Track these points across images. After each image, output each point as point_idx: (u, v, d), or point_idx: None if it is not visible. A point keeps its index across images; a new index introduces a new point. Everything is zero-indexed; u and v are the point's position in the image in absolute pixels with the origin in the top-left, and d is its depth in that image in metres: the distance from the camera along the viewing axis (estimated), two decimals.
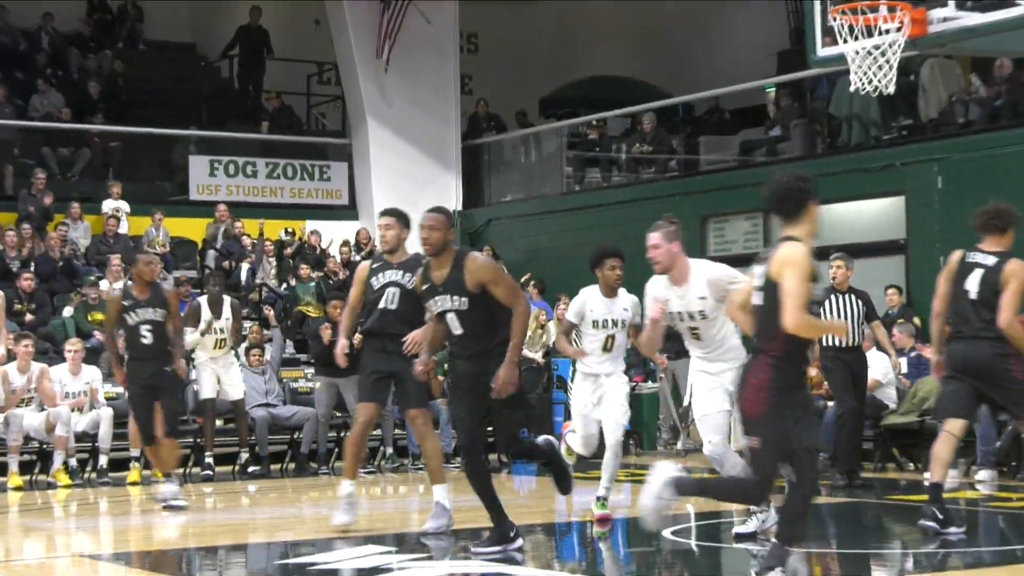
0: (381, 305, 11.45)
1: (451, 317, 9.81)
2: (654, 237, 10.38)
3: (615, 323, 11.59)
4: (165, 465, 13.82)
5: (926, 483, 12.43)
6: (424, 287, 10.03)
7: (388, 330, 11.38)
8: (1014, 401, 10.78)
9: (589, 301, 11.61)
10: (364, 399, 11.61)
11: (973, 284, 10.85)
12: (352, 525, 11.49)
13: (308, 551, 10.64)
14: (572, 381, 11.79)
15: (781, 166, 21.06)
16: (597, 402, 11.70)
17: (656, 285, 10.45)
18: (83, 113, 25.06)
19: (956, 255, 11.10)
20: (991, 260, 10.89)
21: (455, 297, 9.74)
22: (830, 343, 14.48)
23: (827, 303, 14.43)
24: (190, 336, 16.53)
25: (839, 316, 14.49)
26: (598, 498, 11.80)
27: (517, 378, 9.62)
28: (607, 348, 11.63)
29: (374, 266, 11.70)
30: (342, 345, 11.60)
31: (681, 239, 10.42)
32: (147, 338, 13.19)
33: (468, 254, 10.00)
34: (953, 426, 10.87)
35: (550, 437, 11.25)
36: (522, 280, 22.68)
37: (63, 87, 25.58)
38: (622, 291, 11.69)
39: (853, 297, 14.83)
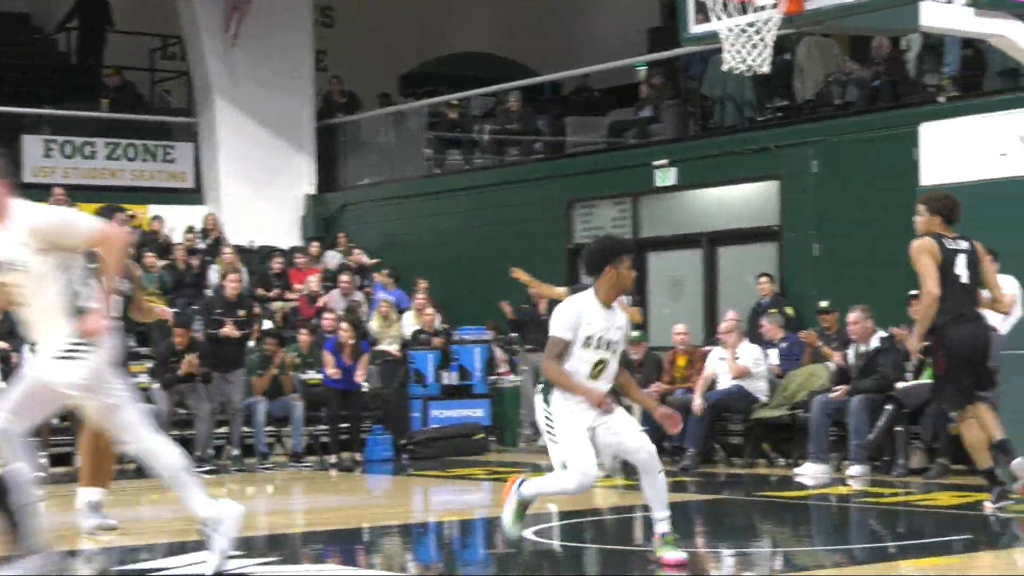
0: None
1: None
2: None
3: (610, 345, 9.28)
4: None
5: (797, 478, 12.70)
6: None
7: None
8: (990, 379, 11.82)
9: (586, 312, 9.23)
10: None
11: (962, 269, 11.62)
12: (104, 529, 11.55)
13: (148, 556, 10.59)
14: (550, 406, 9.23)
15: (652, 148, 21.32)
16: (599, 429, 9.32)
17: None
18: None
19: (931, 242, 11.60)
20: (965, 244, 11.74)
21: None
22: None
23: None
24: None
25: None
26: (663, 535, 9.45)
27: None
28: (595, 375, 9.29)
29: None
30: None
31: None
32: None
33: None
34: (975, 411, 11.60)
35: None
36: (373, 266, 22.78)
37: None
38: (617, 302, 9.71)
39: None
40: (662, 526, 9.36)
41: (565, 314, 9.17)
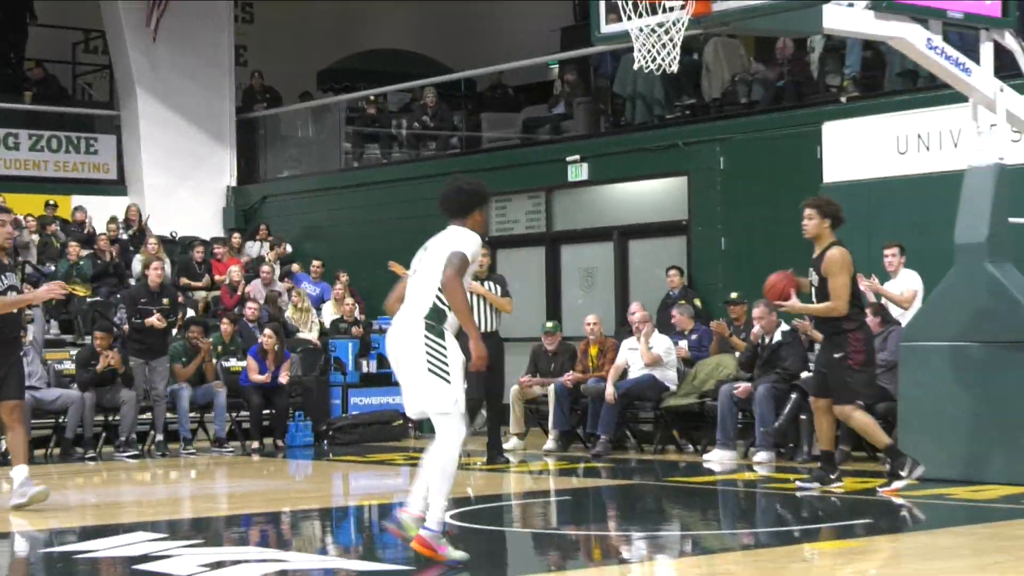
0: None
1: None
2: None
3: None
4: None
5: (705, 464, 12.74)
6: None
7: None
8: None
9: None
10: None
11: None
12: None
13: (74, 539, 10.59)
14: (442, 340, 8.70)
15: (564, 144, 21.42)
16: None
17: None
18: None
19: (849, 257, 12.15)
20: None
21: None
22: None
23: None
24: None
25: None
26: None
27: None
28: None
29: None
30: None
31: None
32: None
33: None
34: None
35: None
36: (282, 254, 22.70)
37: None
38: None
39: (491, 283, 15.44)
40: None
41: (476, 242, 8.85)
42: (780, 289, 12.34)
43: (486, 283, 15.42)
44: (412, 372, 8.68)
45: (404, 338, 8.72)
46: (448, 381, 8.58)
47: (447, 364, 8.60)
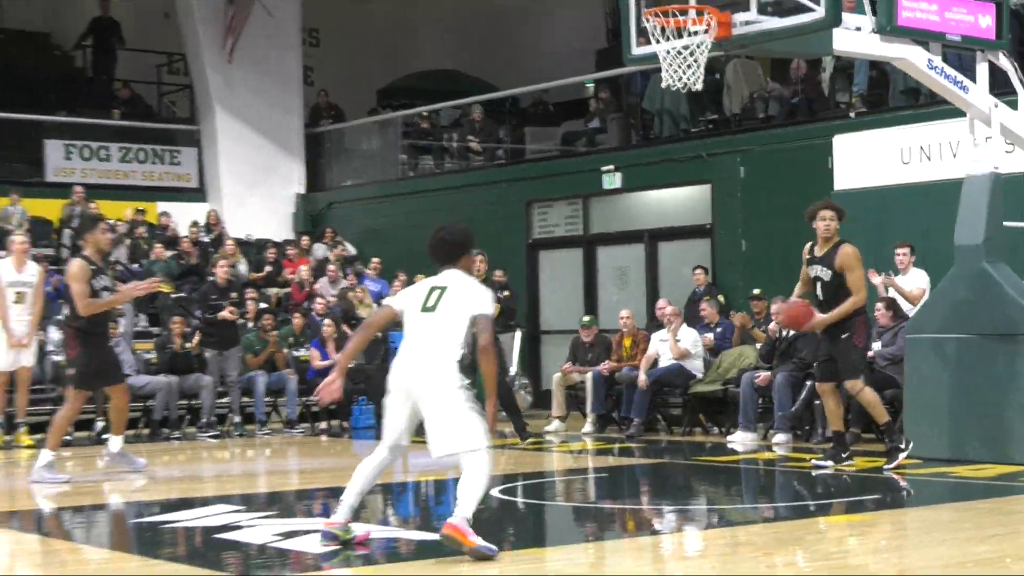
0: None
1: None
2: None
3: None
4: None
5: (728, 444, 12.76)
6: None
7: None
8: None
9: None
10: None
11: None
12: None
13: (159, 511, 10.65)
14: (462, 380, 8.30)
15: (600, 155, 21.41)
16: None
17: None
18: None
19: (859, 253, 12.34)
20: None
21: None
22: None
23: None
24: None
25: None
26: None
27: None
28: None
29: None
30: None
31: None
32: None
33: None
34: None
35: None
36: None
37: None
38: None
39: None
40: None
41: (490, 298, 8.48)
42: (802, 322, 12.28)
43: None
44: (444, 412, 8.06)
45: (434, 379, 8.10)
46: (482, 417, 8.12)
47: (475, 403, 8.15)
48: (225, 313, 17.94)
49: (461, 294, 8.33)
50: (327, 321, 18.83)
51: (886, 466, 12.15)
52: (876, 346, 14.46)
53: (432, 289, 8.36)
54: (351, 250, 23.89)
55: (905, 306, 14.94)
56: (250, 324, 18.95)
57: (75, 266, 12.40)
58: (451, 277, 8.43)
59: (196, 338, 17.86)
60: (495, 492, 11.01)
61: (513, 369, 19.60)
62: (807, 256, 12.48)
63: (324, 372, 18.36)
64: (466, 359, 8.25)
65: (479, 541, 7.90)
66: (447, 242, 8.60)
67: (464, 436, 8.04)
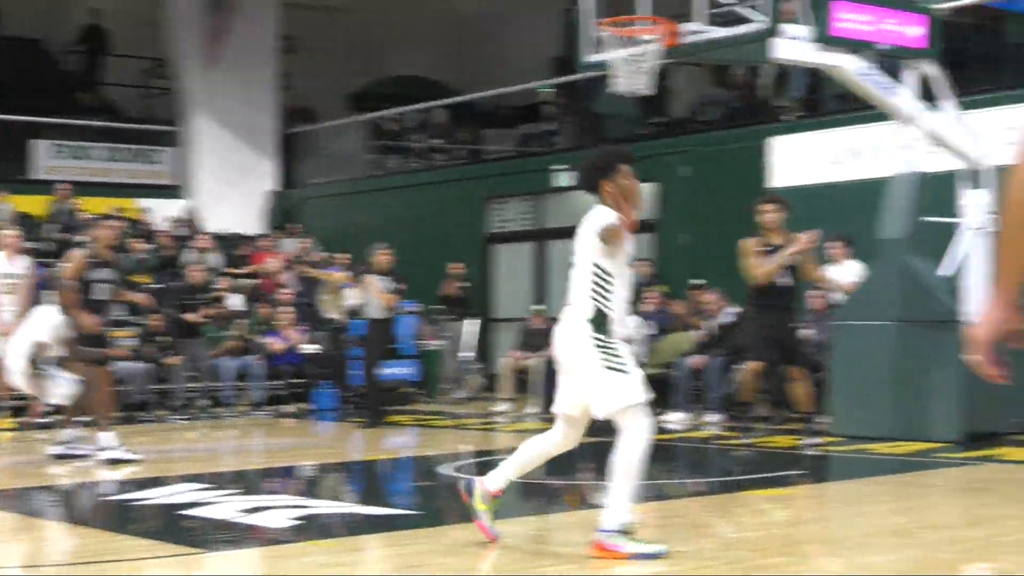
0: None
1: None
2: None
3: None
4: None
5: (666, 424, 12.68)
6: None
7: None
8: None
9: None
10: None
11: None
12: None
13: (129, 489, 10.51)
14: (608, 336, 6.86)
15: (553, 156, 21.33)
16: None
17: None
18: None
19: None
20: None
21: None
22: None
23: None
24: None
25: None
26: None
27: None
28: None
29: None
30: None
31: None
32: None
33: None
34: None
35: None
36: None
37: None
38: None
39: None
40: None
41: (606, 218, 7.05)
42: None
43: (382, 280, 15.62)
44: (587, 375, 6.85)
45: (570, 344, 6.93)
46: (627, 372, 6.77)
47: (621, 357, 6.81)
48: (191, 316, 18.09)
49: (583, 235, 7.04)
50: (286, 310, 18.92)
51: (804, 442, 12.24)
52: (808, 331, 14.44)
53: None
54: (311, 244, 23.66)
55: (838, 296, 14.90)
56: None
57: (72, 258, 12.34)
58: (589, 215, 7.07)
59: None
60: (446, 469, 10.92)
61: (470, 355, 19.55)
62: (761, 248, 12.46)
63: (290, 357, 18.33)
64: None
65: (635, 549, 6.75)
66: (584, 168, 7.34)
67: (613, 395, 6.77)
